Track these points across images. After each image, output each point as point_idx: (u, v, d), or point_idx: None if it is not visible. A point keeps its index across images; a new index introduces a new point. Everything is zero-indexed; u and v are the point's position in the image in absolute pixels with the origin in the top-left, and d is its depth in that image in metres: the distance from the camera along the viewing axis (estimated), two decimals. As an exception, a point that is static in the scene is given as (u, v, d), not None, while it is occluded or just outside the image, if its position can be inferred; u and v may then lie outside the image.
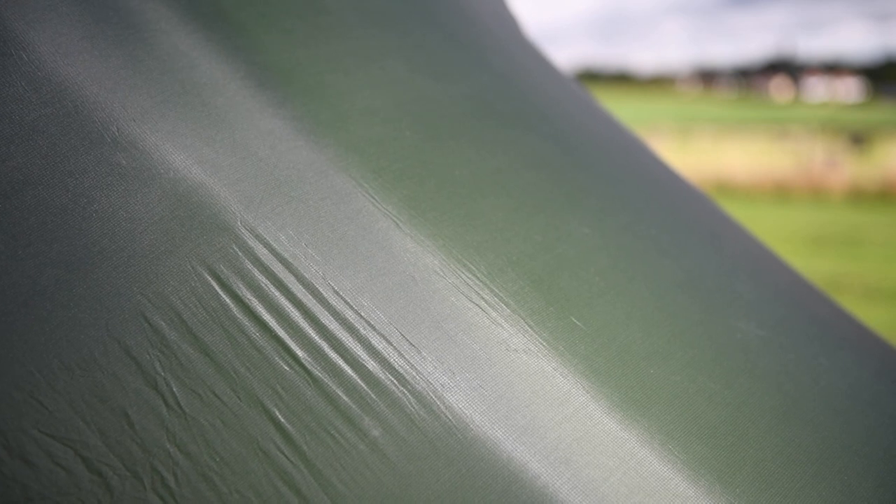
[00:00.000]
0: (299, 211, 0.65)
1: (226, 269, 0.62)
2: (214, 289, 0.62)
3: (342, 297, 0.62)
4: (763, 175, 11.35)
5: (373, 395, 0.60)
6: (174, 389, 0.60)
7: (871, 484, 0.64)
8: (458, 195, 0.71)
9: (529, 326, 0.64)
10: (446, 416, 0.59)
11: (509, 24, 1.09)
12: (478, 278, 0.65)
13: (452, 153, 0.74)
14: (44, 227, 0.62)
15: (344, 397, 0.60)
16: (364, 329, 0.61)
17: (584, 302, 0.67)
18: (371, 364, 0.60)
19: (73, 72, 0.65)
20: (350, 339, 0.61)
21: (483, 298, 0.64)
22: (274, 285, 0.62)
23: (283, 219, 0.64)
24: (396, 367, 0.61)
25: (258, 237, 0.63)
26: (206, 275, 0.62)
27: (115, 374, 0.60)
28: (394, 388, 0.60)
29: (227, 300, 0.61)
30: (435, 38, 0.87)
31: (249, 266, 0.62)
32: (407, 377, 0.60)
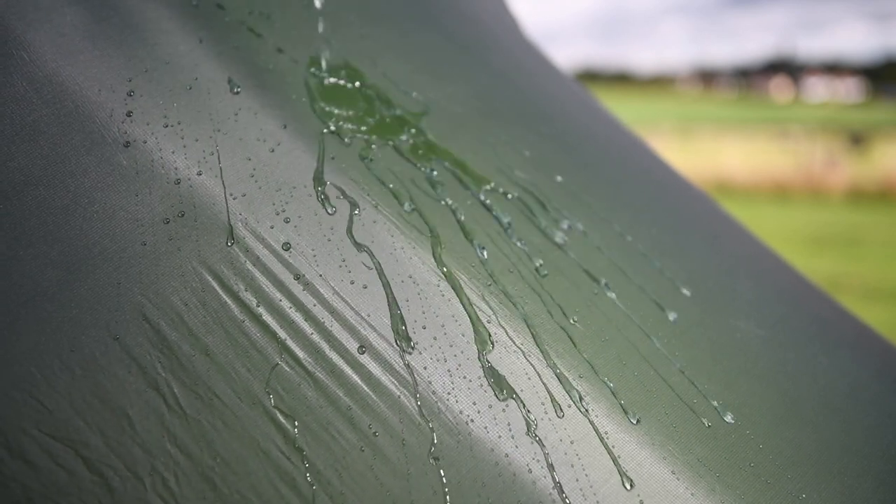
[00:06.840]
0: (300, 212, 0.65)
1: (226, 269, 0.62)
2: (215, 289, 0.62)
3: (342, 298, 0.62)
4: (763, 175, 11.34)
5: (373, 396, 0.60)
6: (175, 390, 0.60)
7: (870, 484, 0.64)
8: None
9: (529, 327, 0.64)
10: (446, 417, 0.59)
11: (509, 24, 1.09)
12: (478, 279, 0.65)
13: (452, 153, 0.74)
14: (45, 228, 0.62)
15: (344, 397, 0.60)
16: (364, 329, 0.61)
17: (584, 302, 0.67)
18: (372, 365, 0.61)
19: (73, 72, 0.65)
20: (350, 340, 0.61)
21: (483, 299, 0.64)
22: (274, 286, 0.62)
23: (284, 219, 0.64)
24: (397, 367, 0.61)
25: (259, 238, 0.63)
26: (206, 275, 0.62)
27: (115, 374, 0.60)
28: (394, 388, 0.60)
29: (228, 300, 0.61)
30: (435, 38, 0.87)
31: (250, 267, 0.62)
32: (407, 378, 0.60)
